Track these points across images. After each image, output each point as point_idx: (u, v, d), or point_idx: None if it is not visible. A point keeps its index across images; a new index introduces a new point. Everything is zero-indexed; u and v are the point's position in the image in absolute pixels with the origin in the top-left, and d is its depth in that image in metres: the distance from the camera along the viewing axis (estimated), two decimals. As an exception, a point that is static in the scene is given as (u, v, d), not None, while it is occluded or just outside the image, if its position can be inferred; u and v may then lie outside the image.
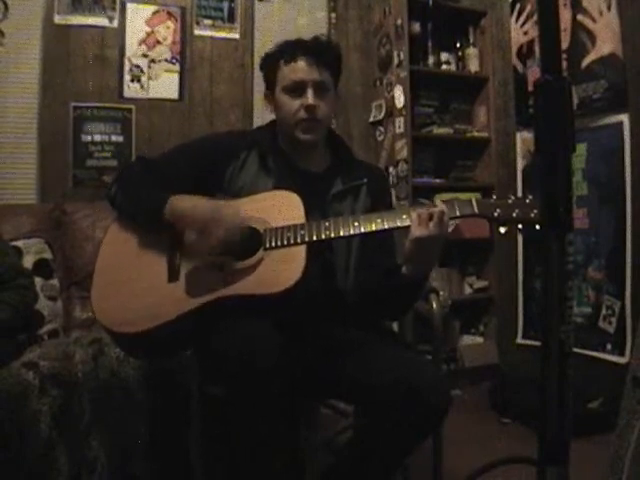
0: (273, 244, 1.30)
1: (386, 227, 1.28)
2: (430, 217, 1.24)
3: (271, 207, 1.36)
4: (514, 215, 1.27)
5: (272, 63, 1.49)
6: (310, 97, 1.43)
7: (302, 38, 1.49)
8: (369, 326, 1.48)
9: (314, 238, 1.29)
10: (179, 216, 1.31)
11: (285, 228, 1.31)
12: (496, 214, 1.28)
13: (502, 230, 1.29)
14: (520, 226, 1.29)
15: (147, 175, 1.44)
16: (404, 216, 1.28)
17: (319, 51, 1.46)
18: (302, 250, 1.28)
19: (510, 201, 1.29)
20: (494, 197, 1.32)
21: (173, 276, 1.34)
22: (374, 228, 1.28)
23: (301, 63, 1.44)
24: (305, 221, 1.32)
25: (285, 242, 1.29)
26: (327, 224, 1.29)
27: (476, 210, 1.29)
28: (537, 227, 1.25)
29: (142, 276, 1.35)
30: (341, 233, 1.29)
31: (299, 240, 1.29)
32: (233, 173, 1.47)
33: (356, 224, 1.29)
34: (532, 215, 1.26)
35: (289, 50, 1.47)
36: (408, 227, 1.27)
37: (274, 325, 1.24)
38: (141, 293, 1.33)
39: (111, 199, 1.44)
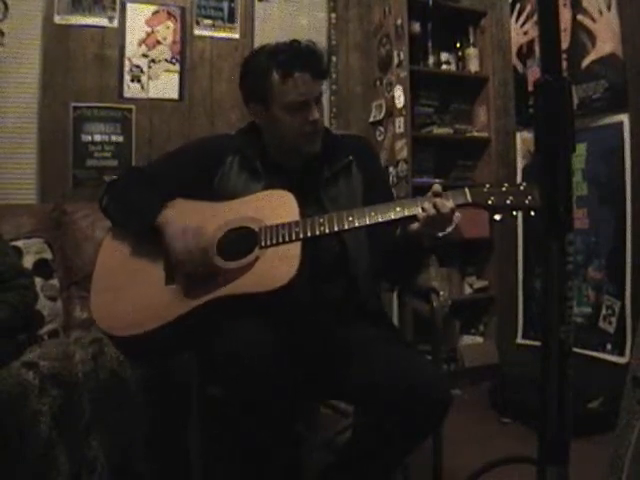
0: (269, 242, 1.31)
1: (380, 220, 1.28)
2: (438, 215, 1.25)
3: (265, 206, 1.37)
4: (508, 202, 1.27)
5: (262, 74, 1.40)
6: (315, 112, 1.40)
7: (293, 46, 1.41)
8: (376, 317, 1.48)
9: (308, 234, 1.29)
10: (160, 231, 1.34)
11: (280, 226, 1.31)
12: (490, 202, 1.28)
13: (497, 217, 1.29)
14: (515, 213, 1.29)
15: (136, 185, 1.45)
16: (397, 208, 1.29)
17: (317, 64, 1.41)
18: (297, 247, 1.29)
19: (504, 188, 1.29)
20: (487, 185, 1.31)
21: (170, 279, 1.35)
22: (368, 222, 1.29)
23: (301, 81, 1.37)
24: (299, 218, 1.32)
25: (280, 239, 1.30)
26: (321, 220, 1.30)
27: (469, 199, 1.29)
28: (532, 213, 1.26)
29: (140, 280, 1.36)
30: (335, 228, 1.29)
31: (294, 237, 1.30)
32: (222, 178, 1.47)
33: (350, 219, 1.29)
34: (526, 202, 1.26)
35: (285, 63, 1.38)
36: (402, 219, 1.28)
37: (276, 325, 1.24)
38: (139, 297, 1.34)
39: (103, 210, 1.46)
